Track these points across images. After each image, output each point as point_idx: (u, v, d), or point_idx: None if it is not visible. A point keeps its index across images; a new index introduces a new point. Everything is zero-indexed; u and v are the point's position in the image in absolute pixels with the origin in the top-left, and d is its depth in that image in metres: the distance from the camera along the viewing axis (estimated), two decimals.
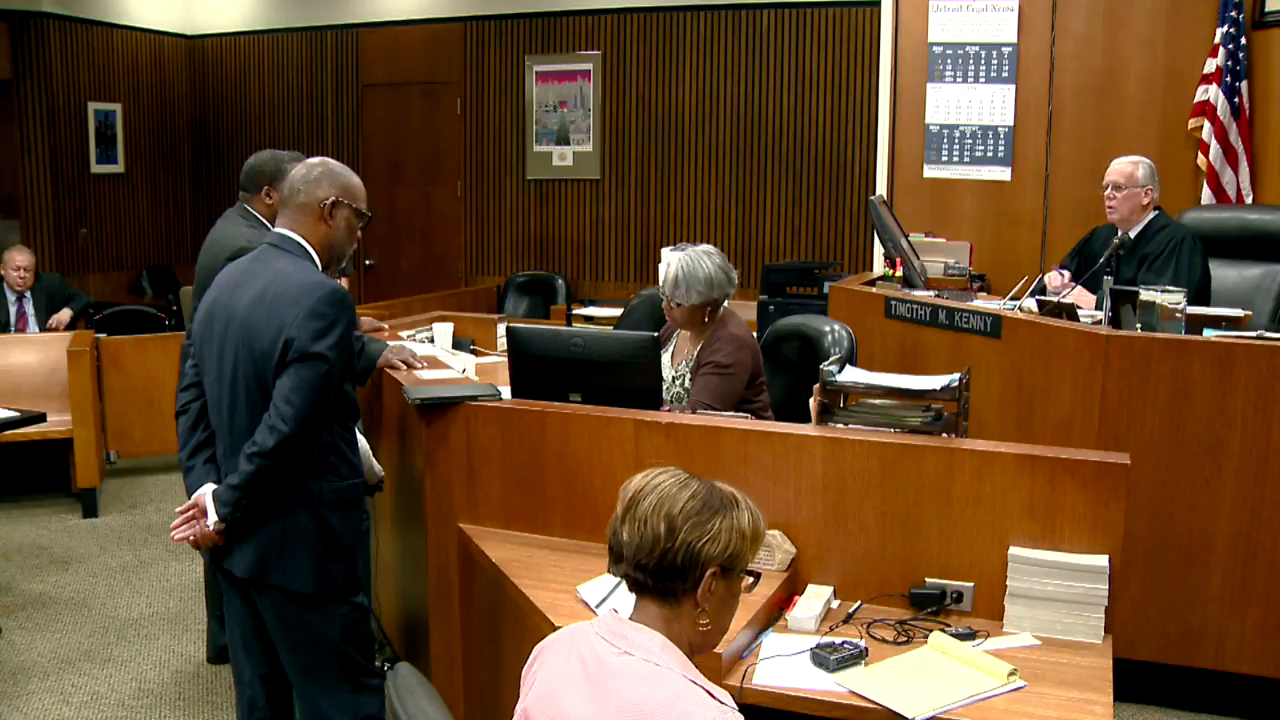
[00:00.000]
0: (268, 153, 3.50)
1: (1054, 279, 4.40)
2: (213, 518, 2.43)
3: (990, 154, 5.64)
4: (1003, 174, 5.63)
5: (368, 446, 2.94)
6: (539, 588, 2.45)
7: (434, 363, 3.53)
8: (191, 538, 2.48)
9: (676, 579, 1.60)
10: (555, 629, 1.91)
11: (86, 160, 8.30)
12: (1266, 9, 5.09)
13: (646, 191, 7.72)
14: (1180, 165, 5.23)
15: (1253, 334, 3.41)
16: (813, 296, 5.90)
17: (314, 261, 2.52)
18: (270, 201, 3.34)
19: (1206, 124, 5.12)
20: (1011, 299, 4.25)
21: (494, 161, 8.18)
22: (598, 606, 2.29)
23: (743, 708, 1.58)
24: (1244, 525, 3.30)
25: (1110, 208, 4.23)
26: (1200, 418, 3.30)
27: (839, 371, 2.63)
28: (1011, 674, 2.07)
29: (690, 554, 1.59)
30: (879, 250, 5.52)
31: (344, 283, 3.58)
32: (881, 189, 5.86)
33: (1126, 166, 4.20)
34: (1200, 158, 5.17)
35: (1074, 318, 3.68)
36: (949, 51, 5.66)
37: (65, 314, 6.30)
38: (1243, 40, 5.07)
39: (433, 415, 2.87)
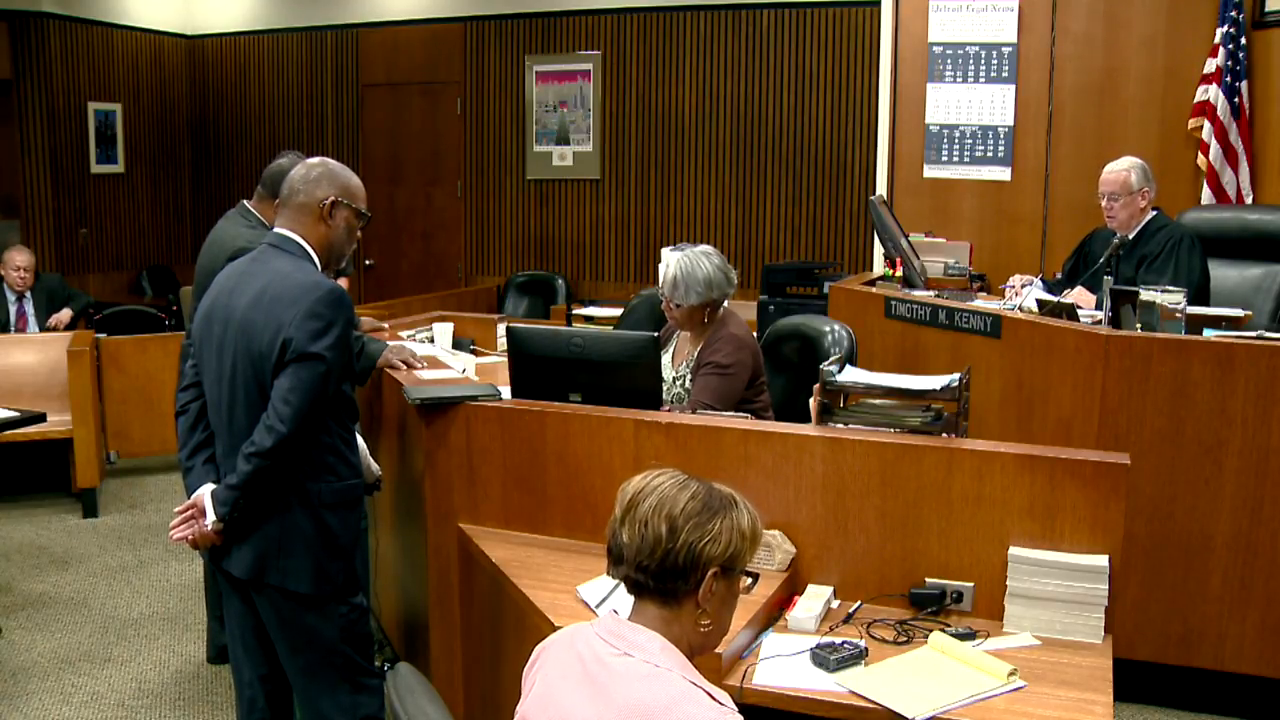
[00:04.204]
0: (291, 158, 3.31)
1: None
2: (211, 517, 2.43)
3: (990, 154, 5.64)
4: (1003, 174, 5.63)
5: (365, 446, 2.94)
6: (539, 588, 2.45)
7: (434, 363, 3.53)
8: (190, 538, 2.48)
9: (678, 580, 1.60)
10: (555, 629, 1.91)
11: (86, 160, 8.30)
12: (1266, 9, 5.09)
13: (646, 191, 7.72)
14: (1180, 165, 5.23)
15: (1253, 334, 3.41)
16: (813, 296, 5.90)
17: (313, 262, 2.52)
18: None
19: (1206, 124, 5.12)
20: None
21: (494, 161, 8.18)
22: (598, 607, 2.29)
23: (743, 708, 1.58)
24: (1244, 525, 3.30)
25: (1110, 217, 4.21)
26: (1200, 418, 3.30)
27: (839, 371, 2.63)
28: (1011, 674, 2.07)
29: (692, 554, 1.59)
30: (879, 250, 5.52)
31: (344, 283, 3.58)
32: (881, 189, 5.86)
33: (1120, 175, 4.16)
34: (1200, 158, 5.17)
35: (1074, 318, 3.68)
36: (949, 51, 5.66)
37: (65, 314, 6.30)
38: (1243, 40, 5.07)
39: (433, 415, 2.87)
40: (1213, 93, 5.10)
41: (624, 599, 1.70)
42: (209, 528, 2.44)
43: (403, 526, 3.41)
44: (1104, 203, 4.21)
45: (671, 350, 3.57)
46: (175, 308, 7.80)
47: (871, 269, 6.00)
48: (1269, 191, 5.12)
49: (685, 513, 1.60)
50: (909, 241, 4.76)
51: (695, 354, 3.42)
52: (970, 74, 5.63)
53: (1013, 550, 2.34)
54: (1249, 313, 3.69)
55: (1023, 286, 4.23)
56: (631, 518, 1.62)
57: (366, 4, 8.47)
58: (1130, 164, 4.18)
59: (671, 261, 3.43)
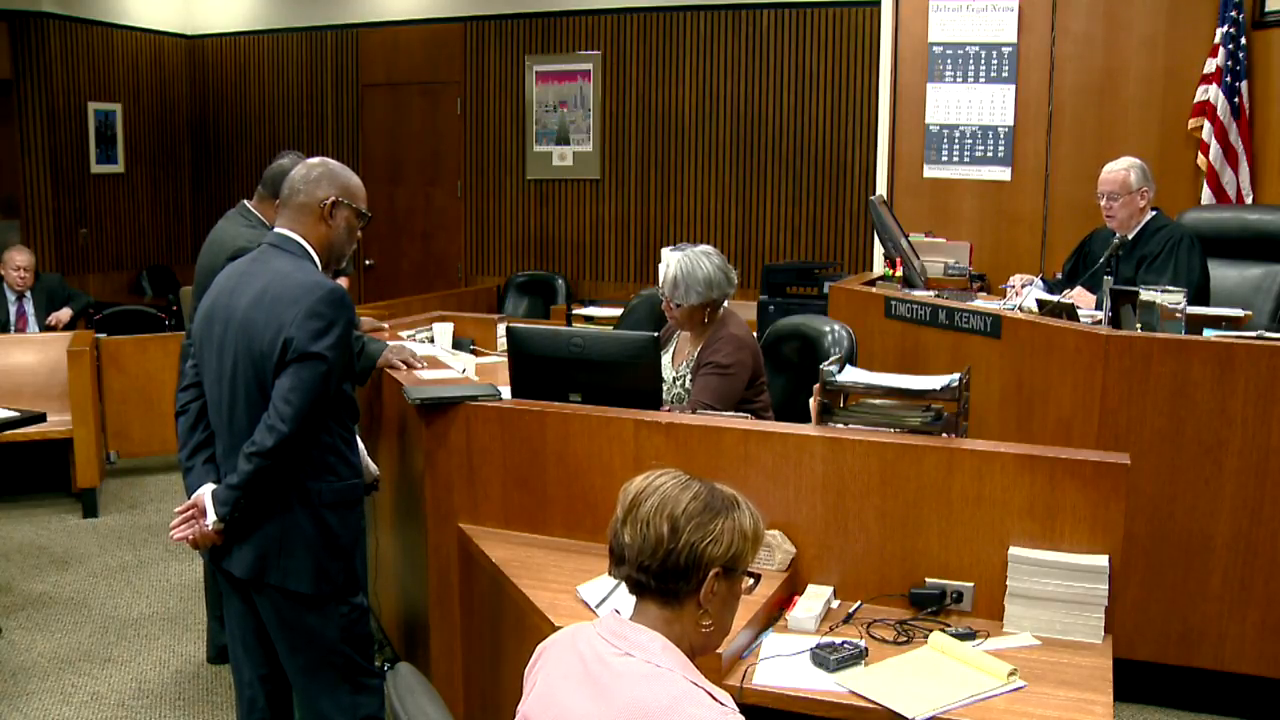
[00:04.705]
0: (292, 158, 3.33)
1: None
2: (211, 517, 2.43)
3: (990, 154, 5.64)
4: (1003, 174, 5.64)
5: (362, 445, 2.94)
6: (539, 588, 2.45)
7: (434, 363, 3.53)
8: (190, 537, 2.48)
9: (679, 580, 1.60)
10: (555, 629, 1.91)
11: (86, 160, 8.30)
12: (1266, 9, 5.09)
13: (646, 191, 7.72)
14: (1180, 165, 5.23)
15: (1253, 334, 3.41)
16: (813, 296, 5.90)
17: (314, 261, 2.52)
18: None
19: (1206, 124, 5.12)
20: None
21: (494, 161, 8.18)
22: (598, 606, 2.29)
23: (743, 708, 1.58)
24: (1244, 525, 3.30)
25: (1109, 217, 4.21)
26: (1200, 418, 3.30)
27: (839, 371, 2.63)
28: (1011, 674, 2.08)
29: (693, 555, 1.59)
30: (879, 250, 5.53)
31: (344, 283, 3.57)
32: (881, 189, 5.86)
33: (1119, 174, 4.16)
34: (1200, 158, 5.17)
35: (1074, 318, 3.68)
36: (949, 51, 5.66)
37: (65, 312, 6.30)
38: (1243, 40, 5.07)
39: (433, 415, 2.87)
40: (1213, 93, 5.10)
41: (624, 599, 1.71)
42: (209, 528, 2.44)
43: (403, 526, 3.41)
44: (1103, 202, 4.21)
45: (671, 350, 3.57)
46: (175, 308, 7.80)
47: (871, 269, 6.00)
48: (1269, 191, 5.12)
49: (687, 513, 1.60)
50: (909, 241, 4.76)
51: (695, 354, 3.42)
52: (970, 74, 5.63)
53: (1013, 550, 2.34)
54: (1249, 313, 3.69)
55: (1023, 286, 4.24)
56: (633, 518, 1.62)
57: (366, 4, 8.47)
58: (1129, 164, 4.18)
59: (671, 261, 3.43)
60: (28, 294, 6.26)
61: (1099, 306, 3.84)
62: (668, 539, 1.59)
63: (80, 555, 4.97)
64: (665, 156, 7.63)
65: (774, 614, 2.37)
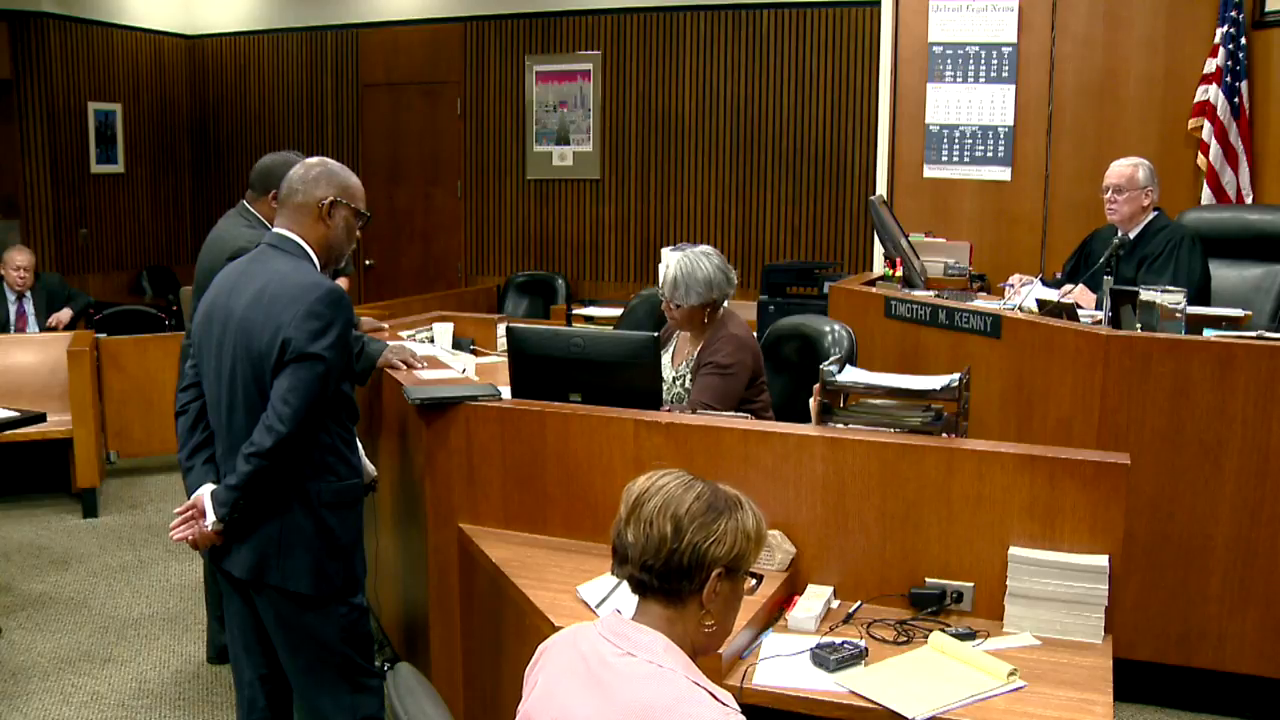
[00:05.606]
0: (281, 155, 3.38)
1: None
2: (211, 518, 2.43)
3: (990, 154, 5.64)
4: (1003, 174, 5.64)
5: (359, 445, 2.94)
6: (539, 588, 2.45)
7: (434, 363, 3.53)
8: (190, 538, 2.48)
9: (682, 580, 1.60)
10: (555, 629, 1.91)
11: (86, 160, 8.30)
12: (1266, 9, 5.09)
13: (646, 191, 7.72)
14: (1180, 165, 5.23)
15: (1253, 334, 3.41)
16: (813, 296, 5.90)
17: (312, 261, 2.52)
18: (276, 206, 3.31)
19: (1206, 124, 5.12)
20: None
21: (494, 161, 8.18)
22: (598, 606, 2.29)
23: (743, 708, 1.58)
24: (1244, 525, 3.30)
25: (1111, 209, 4.23)
26: (1200, 418, 3.30)
27: (839, 371, 2.63)
28: (1011, 674, 2.07)
29: (696, 555, 1.59)
30: (879, 250, 5.53)
31: (344, 283, 3.57)
32: (881, 189, 5.86)
33: (1127, 169, 4.19)
34: (1200, 158, 5.17)
35: (1074, 318, 3.68)
36: (949, 51, 5.66)
37: (65, 313, 6.30)
38: (1243, 40, 5.07)
39: (433, 415, 2.87)
40: (1213, 93, 5.10)
41: (624, 598, 1.71)
42: (209, 528, 2.44)
43: (403, 526, 3.41)
44: (1107, 195, 4.22)
45: (671, 350, 3.57)
46: (175, 308, 7.81)
47: (871, 269, 6.00)
48: (1269, 191, 5.12)
49: (690, 513, 1.61)
50: (909, 241, 4.76)
51: (695, 354, 3.42)
52: (970, 74, 5.62)
53: (1013, 550, 2.34)
54: (1249, 313, 3.69)
55: (1022, 286, 4.24)
56: (636, 517, 1.62)
57: (366, 4, 8.47)
58: (1138, 162, 4.22)
59: (671, 262, 3.43)
60: (28, 294, 6.26)
61: (1099, 306, 3.84)
62: (671, 539, 1.59)
63: (80, 555, 4.97)
64: (665, 156, 7.63)
65: (774, 614, 2.37)
